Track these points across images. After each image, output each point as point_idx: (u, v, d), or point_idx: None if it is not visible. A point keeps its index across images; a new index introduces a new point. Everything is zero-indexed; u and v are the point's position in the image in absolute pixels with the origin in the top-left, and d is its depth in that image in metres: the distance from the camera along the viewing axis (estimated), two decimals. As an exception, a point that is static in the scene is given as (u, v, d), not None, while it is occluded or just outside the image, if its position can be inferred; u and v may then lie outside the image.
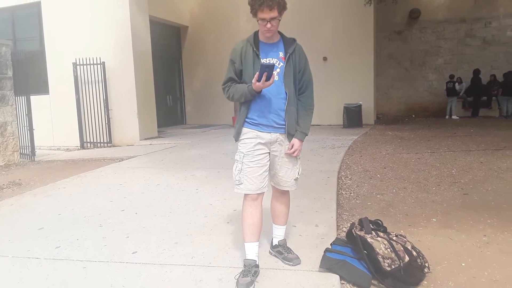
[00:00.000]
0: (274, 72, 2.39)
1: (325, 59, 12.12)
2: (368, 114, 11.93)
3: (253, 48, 2.50)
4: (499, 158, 6.03)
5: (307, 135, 2.62)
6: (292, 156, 2.61)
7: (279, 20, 2.44)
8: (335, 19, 12.03)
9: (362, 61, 11.98)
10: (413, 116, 14.28)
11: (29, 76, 8.27)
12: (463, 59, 14.04)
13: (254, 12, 2.41)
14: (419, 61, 14.48)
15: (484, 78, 13.28)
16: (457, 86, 13.33)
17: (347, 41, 12.00)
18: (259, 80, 2.33)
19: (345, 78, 12.07)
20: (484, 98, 13.31)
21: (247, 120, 2.56)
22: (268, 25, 2.40)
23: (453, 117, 13.30)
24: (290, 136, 2.57)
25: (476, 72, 13.22)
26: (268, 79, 2.33)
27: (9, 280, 2.66)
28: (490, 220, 3.51)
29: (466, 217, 3.64)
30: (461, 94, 13.52)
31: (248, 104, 2.54)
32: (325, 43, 12.01)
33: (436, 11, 13.92)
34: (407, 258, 2.43)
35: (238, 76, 2.56)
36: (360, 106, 11.46)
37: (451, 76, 13.42)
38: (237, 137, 2.60)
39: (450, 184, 4.79)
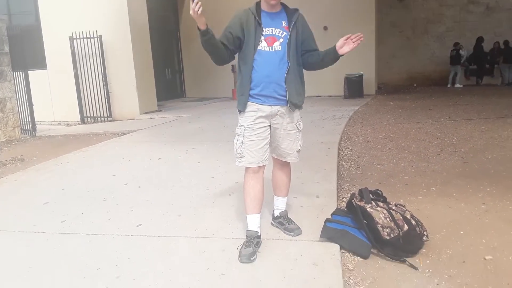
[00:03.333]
0: None
1: (325, 28, 11.91)
2: (369, 84, 11.83)
3: (255, 17, 2.46)
4: (500, 126, 6.02)
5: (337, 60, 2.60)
6: (292, 130, 2.62)
7: None
8: (335, -13, 11.75)
9: (363, 30, 11.41)
10: (415, 85, 14.17)
11: (25, 51, 8.17)
12: (465, 27, 13.81)
13: None
14: (421, 29, 14.25)
15: (488, 46, 13.09)
16: (461, 52, 13.15)
17: (347, 10, 11.76)
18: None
19: (346, 47, 11.88)
20: (487, 66, 13.17)
21: (250, 92, 2.53)
22: None
23: (456, 85, 13.18)
24: (292, 105, 2.55)
25: (479, 40, 13.02)
26: None
27: (16, 254, 2.72)
28: (489, 188, 3.55)
29: (466, 185, 3.67)
30: (462, 61, 13.36)
31: (249, 75, 2.50)
32: (326, 12, 11.76)
33: (439, -24, 13.58)
34: (406, 227, 2.48)
35: (230, 43, 2.48)
36: (361, 76, 11.35)
37: (455, 44, 13.22)
38: (243, 108, 2.53)
39: (450, 153, 4.81)
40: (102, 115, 9.62)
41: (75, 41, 9.40)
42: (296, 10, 2.57)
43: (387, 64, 14.59)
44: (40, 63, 10.12)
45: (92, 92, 9.56)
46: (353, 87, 11.30)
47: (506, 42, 12.51)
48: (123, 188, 4.02)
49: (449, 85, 13.35)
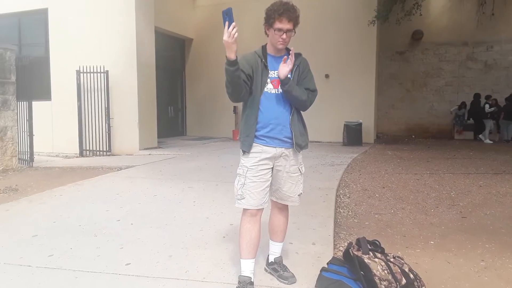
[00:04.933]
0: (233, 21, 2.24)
1: (327, 76, 12.20)
2: (368, 132, 11.95)
3: (261, 59, 2.51)
4: (498, 182, 6.01)
5: (286, 84, 2.45)
6: (294, 172, 2.60)
7: (294, 34, 2.47)
8: (338, 37, 12.14)
9: (363, 80, 12.06)
10: (413, 136, 14.30)
11: (32, 81, 8.30)
12: (464, 82, 14.13)
13: (271, 22, 2.43)
14: (420, 82, 14.57)
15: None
16: (487, 107, 12.75)
17: (349, 60, 12.09)
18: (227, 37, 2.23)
19: (346, 96, 12.13)
20: (469, 121, 13.41)
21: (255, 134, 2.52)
22: (284, 36, 2.43)
23: (486, 141, 12.66)
24: (298, 147, 2.56)
25: (477, 96, 13.28)
26: (230, 24, 2.22)
27: (-1, 287, 2.62)
28: (488, 245, 3.48)
29: (464, 241, 3.61)
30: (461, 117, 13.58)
31: (255, 116, 2.51)
32: (328, 61, 12.09)
33: (439, 33, 14.04)
34: (404, 281, 2.40)
35: (248, 80, 2.47)
36: (360, 124, 11.48)
37: (487, 97, 12.91)
38: (248, 148, 2.50)
39: (448, 207, 4.76)
40: (101, 149, 9.61)
41: (81, 74, 9.57)
42: (300, 54, 2.63)
43: (386, 114, 14.81)
44: (45, 94, 10.26)
45: (93, 125, 9.62)
46: (352, 135, 11.40)
47: (509, 99, 12.60)
48: (115, 225, 3.94)
49: (484, 140, 12.77)
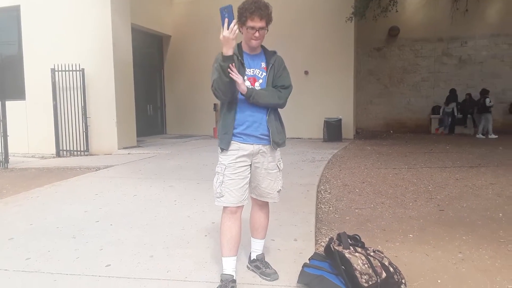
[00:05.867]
0: (234, 20, 2.29)
1: (306, 73, 12.26)
2: (348, 128, 12.08)
3: (237, 57, 2.50)
4: (474, 175, 6.16)
5: (249, 97, 2.44)
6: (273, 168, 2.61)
7: (267, 31, 2.47)
8: (316, 34, 12.20)
9: (342, 76, 12.17)
10: (391, 131, 14.53)
11: (5, 81, 8.06)
12: (439, 77, 14.44)
13: (243, 20, 2.42)
14: (398, 77, 14.82)
15: (461, 96, 13.63)
16: (487, 101, 12.36)
17: (328, 56, 12.18)
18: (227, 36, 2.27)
19: (325, 92, 12.22)
20: (460, 116, 13.62)
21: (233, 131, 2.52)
22: (257, 34, 2.43)
23: (490, 136, 12.20)
24: (275, 144, 2.57)
25: (452, 91, 13.56)
26: (230, 22, 2.26)
27: (-27, 293, 2.54)
28: (465, 237, 3.57)
29: (442, 233, 3.69)
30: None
31: (233, 114, 2.51)
32: (306, 58, 12.15)
33: (415, 29, 14.30)
34: (384, 274, 2.44)
35: None
36: (340, 120, 11.59)
37: (484, 92, 12.57)
38: (227, 146, 2.51)
39: (426, 200, 4.86)
40: (78, 149, 9.42)
41: (56, 73, 9.35)
42: (275, 52, 2.64)
43: (365, 110, 15.01)
44: (19, 93, 9.97)
45: (70, 125, 9.42)
46: (332, 131, 11.50)
47: (482, 92, 12.70)
48: (94, 226, 3.87)
49: (480, 136, 12.38)
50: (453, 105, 13.37)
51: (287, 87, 2.59)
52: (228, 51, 2.31)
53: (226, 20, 2.26)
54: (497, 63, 13.90)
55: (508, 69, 13.84)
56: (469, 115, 13.53)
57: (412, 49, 14.56)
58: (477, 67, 14.06)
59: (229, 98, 2.48)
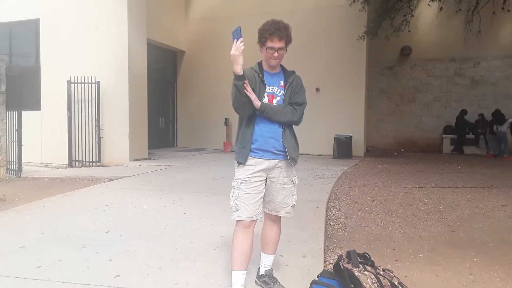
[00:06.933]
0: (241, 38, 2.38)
1: (317, 90, 12.31)
2: (358, 146, 12.04)
3: (258, 74, 2.57)
4: (485, 196, 6.09)
5: (263, 112, 2.52)
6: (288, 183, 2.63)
7: (285, 52, 2.55)
8: (329, 52, 12.30)
9: (354, 94, 12.20)
10: (402, 150, 14.44)
11: (22, 91, 8.25)
12: (451, 97, 14.37)
13: (263, 41, 2.51)
14: (409, 97, 14.78)
15: (473, 117, 13.53)
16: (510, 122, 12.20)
17: (340, 74, 12.23)
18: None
19: (336, 109, 12.24)
20: (472, 136, 13.49)
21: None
22: (276, 54, 2.50)
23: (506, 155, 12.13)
24: (292, 160, 2.60)
25: (462, 112, 13.48)
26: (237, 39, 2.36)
27: (-15, 299, 2.58)
28: (476, 259, 3.52)
29: (453, 254, 3.64)
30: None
31: (251, 129, 2.56)
32: (319, 75, 12.21)
33: (427, 49, 14.31)
34: (393, 294, 2.42)
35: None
36: (350, 137, 11.58)
37: (497, 112, 12.48)
38: (244, 160, 2.55)
39: (437, 220, 4.81)
40: (91, 160, 9.54)
41: (72, 85, 9.54)
42: (293, 72, 2.72)
43: (376, 128, 14.96)
44: (35, 104, 10.18)
45: (83, 136, 9.56)
46: (343, 148, 11.48)
47: (494, 114, 12.55)
48: (105, 236, 3.91)
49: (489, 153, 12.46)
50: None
51: (301, 104, 2.65)
52: (237, 69, 2.38)
53: (235, 40, 2.37)
54: (510, 84, 13.80)
55: (522, 91, 13.73)
56: (481, 136, 13.40)
57: (424, 68, 14.54)
58: (490, 88, 13.97)
59: (250, 113, 2.54)
